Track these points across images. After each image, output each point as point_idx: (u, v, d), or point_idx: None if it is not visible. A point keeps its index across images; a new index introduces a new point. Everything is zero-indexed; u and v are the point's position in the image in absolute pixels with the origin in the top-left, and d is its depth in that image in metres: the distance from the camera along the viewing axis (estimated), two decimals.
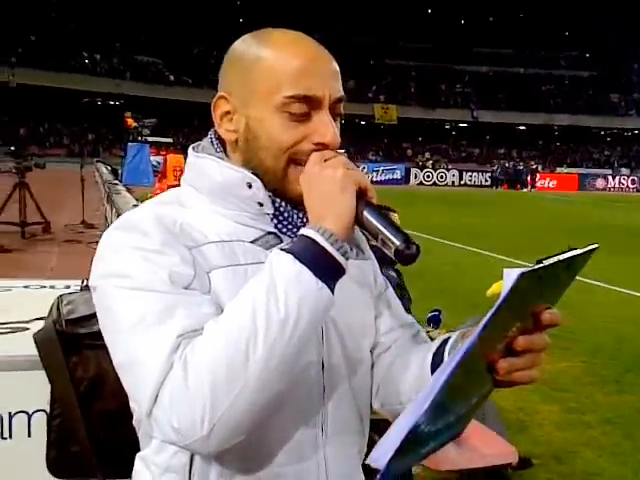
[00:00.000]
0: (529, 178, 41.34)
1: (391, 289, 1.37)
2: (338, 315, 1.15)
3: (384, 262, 3.85)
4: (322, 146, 1.08)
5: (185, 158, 1.21)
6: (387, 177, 40.31)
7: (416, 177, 42.04)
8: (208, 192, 1.13)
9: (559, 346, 6.41)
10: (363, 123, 50.05)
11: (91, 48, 46.98)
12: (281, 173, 1.10)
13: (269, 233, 1.13)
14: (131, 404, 1.17)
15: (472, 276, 9.88)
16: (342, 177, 1.02)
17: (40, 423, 1.73)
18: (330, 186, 1.01)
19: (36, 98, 41.22)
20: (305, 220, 1.13)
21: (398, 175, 41.20)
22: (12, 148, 12.34)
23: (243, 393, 0.92)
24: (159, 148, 28.21)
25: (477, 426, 3.22)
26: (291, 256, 0.96)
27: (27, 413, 1.74)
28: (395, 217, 3.74)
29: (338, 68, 1.12)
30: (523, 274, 0.81)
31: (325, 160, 1.05)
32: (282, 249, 0.98)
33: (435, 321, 3.81)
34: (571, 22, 55.71)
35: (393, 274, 3.63)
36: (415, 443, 0.89)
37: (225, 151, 1.17)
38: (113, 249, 1.05)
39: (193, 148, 1.19)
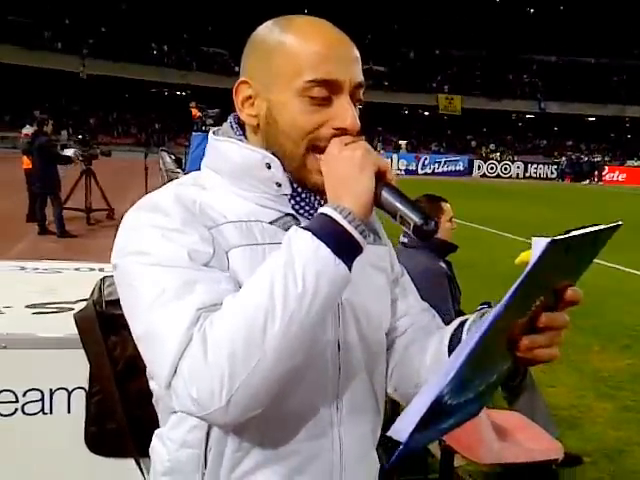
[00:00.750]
0: (596, 171, 40.23)
1: (407, 276, 1.38)
2: (354, 297, 1.16)
3: (434, 253, 3.82)
4: (342, 131, 1.08)
5: None
6: (450, 168, 39.84)
7: (479, 169, 41.38)
8: (228, 174, 1.15)
9: (620, 343, 6.25)
10: (427, 114, 49.55)
11: (159, 40, 47.91)
12: (300, 160, 1.11)
13: (287, 214, 1.14)
14: (150, 384, 1.20)
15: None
16: (361, 157, 1.03)
17: (79, 400, 1.78)
18: (349, 166, 1.03)
19: (105, 88, 42.37)
20: (323, 202, 1.14)
21: (461, 167, 40.65)
22: (80, 137, 12.72)
23: (260, 365, 0.93)
24: None
25: (523, 420, 3.17)
26: (309, 233, 0.97)
27: (67, 390, 1.80)
28: (447, 207, 3.70)
29: (359, 54, 1.12)
30: (553, 242, 0.81)
31: (345, 144, 1.06)
32: (301, 226, 1.00)
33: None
34: None
35: (443, 265, 3.59)
36: (437, 416, 0.90)
37: (245, 135, 1.18)
38: (133, 228, 1.08)
39: (214, 132, 1.21)
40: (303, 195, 1.15)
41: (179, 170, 12.90)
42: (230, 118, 1.21)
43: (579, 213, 19.43)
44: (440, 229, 3.68)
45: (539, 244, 0.82)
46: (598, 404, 4.78)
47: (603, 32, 54.62)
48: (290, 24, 1.11)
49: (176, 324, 0.96)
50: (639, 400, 4.90)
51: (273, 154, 1.12)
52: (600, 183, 38.96)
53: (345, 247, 0.98)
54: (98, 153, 12.55)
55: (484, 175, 40.65)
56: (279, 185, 1.12)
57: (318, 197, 1.16)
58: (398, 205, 1.03)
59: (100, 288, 1.81)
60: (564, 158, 42.19)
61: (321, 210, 1.01)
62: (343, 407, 1.16)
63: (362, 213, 1.01)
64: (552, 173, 41.47)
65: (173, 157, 18.62)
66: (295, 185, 1.14)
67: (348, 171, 1.02)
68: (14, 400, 1.75)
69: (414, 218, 1.02)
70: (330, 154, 1.06)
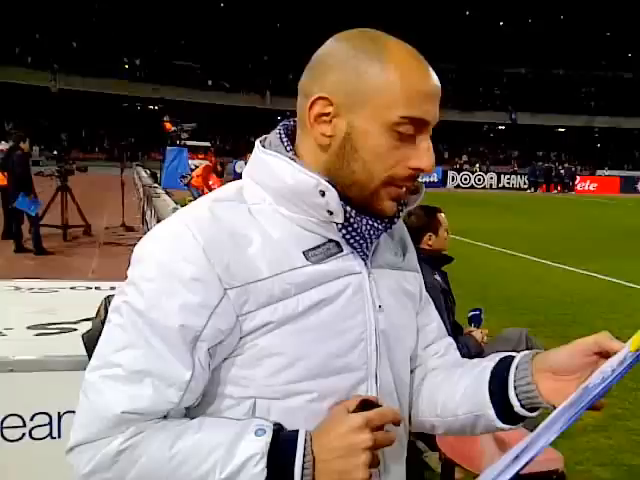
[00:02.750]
0: (570, 182, 40.82)
1: (431, 303, 1.35)
2: (390, 327, 1.14)
3: (429, 266, 3.81)
4: (417, 171, 1.06)
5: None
6: (424, 180, 39.54)
7: (453, 180, 41.69)
8: (275, 192, 1.08)
9: None
10: None
11: (131, 54, 47.76)
12: (372, 190, 1.06)
13: (330, 240, 1.09)
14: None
15: (509, 278, 9.82)
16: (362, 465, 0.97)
17: None
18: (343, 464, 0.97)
19: (77, 103, 42.04)
20: (372, 230, 1.10)
21: (435, 178, 40.92)
22: (55, 152, 12.59)
23: None
24: (197, 152, 28.50)
25: (523, 432, 3.17)
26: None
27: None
28: (443, 217, 3.71)
29: None
30: None
31: (349, 411, 1.01)
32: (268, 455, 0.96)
33: (476, 320, 3.79)
34: (612, 22, 54.81)
35: (438, 279, 3.57)
36: None
37: (293, 147, 1.11)
38: (139, 261, 1.05)
39: (261, 142, 1.13)
40: (355, 225, 1.08)
41: (156, 185, 12.86)
42: (280, 129, 1.14)
43: (554, 222, 19.69)
44: (438, 240, 3.69)
45: None
46: (587, 412, 4.78)
47: (571, 44, 55.61)
48: (385, 47, 1.04)
49: (106, 412, 0.98)
50: (628, 407, 4.94)
51: (328, 181, 1.05)
52: (572, 193, 39.48)
53: None
54: (74, 169, 12.43)
55: (458, 186, 40.94)
56: (330, 213, 1.05)
57: (369, 225, 1.10)
58: None
59: (105, 307, 1.77)
60: (535, 168, 42.55)
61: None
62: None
63: None
64: (525, 183, 41.92)
65: (149, 172, 18.59)
66: (347, 214, 1.07)
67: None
68: (21, 425, 1.71)
69: None
70: (331, 440, 0.98)
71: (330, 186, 1.04)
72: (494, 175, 42.62)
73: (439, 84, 1.07)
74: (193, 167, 19.48)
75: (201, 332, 0.99)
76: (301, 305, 1.03)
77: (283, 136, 1.12)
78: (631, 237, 15.48)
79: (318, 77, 1.06)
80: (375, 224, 1.10)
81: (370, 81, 1.02)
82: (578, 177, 42.22)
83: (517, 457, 0.99)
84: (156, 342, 0.99)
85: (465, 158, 47.67)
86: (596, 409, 1.02)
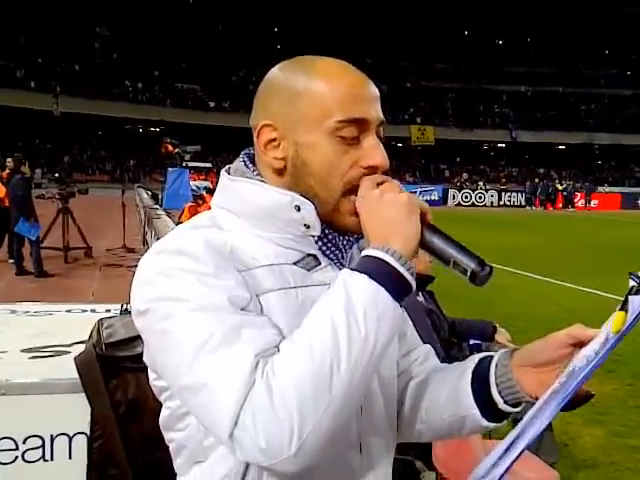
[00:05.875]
0: (569, 198, 40.84)
1: (405, 313, 1.38)
2: None
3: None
4: (372, 169, 1.09)
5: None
6: (425, 198, 39.81)
7: (454, 198, 41.78)
8: (248, 216, 1.12)
9: (604, 368, 6.28)
10: (400, 145, 50.06)
11: (132, 77, 48.06)
12: (333, 203, 1.10)
13: (309, 255, 1.13)
14: (169, 435, 1.17)
15: (508, 295, 9.81)
16: (407, 201, 1.04)
17: (81, 446, 1.75)
18: (396, 210, 1.03)
19: (79, 126, 42.25)
20: (345, 241, 1.15)
21: (436, 196, 41.00)
22: (56, 175, 12.67)
23: (328, 411, 0.92)
24: (199, 173, 28.60)
25: None
26: (366, 276, 0.97)
27: (68, 435, 1.77)
28: None
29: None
30: None
31: (378, 184, 1.07)
32: (353, 269, 0.99)
33: (477, 349, 3.74)
34: (611, 40, 55.13)
35: (421, 300, 3.55)
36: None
37: (259, 174, 1.16)
38: (164, 273, 1.03)
39: (226, 171, 1.19)
40: (330, 237, 1.14)
41: (157, 206, 12.91)
42: (243, 157, 1.20)
43: (553, 239, 19.67)
44: (418, 262, 3.67)
45: (636, 302, 0.92)
46: (587, 430, 4.80)
47: (571, 62, 55.91)
48: (313, 66, 1.12)
49: (233, 372, 0.94)
50: (627, 425, 4.93)
51: (302, 196, 1.10)
52: (572, 209, 39.51)
53: (400, 290, 0.98)
54: (75, 191, 12.49)
55: (459, 204, 41.01)
56: (307, 227, 1.11)
57: (343, 238, 1.16)
58: (452, 251, 1.03)
59: (99, 330, 1.78)
60: (533, 185, 42.42)
61: (370, 253, 1.00)
62: (364, 453, 1.16)
63: (409, 256, 1.01)
64: (526, 201, 41.97)
65: (150, 193, 18.63)
66: (322, 226, 1.12)
67: (395, 215, 1.02)
68: (14, 448, 1.72)
69: (470, 264, 1.02)
70: (371, 197, 1.05)
71: (305, 200, 1.09)
72: (494, 193, 42.70)
73: (372, 88, 1.13)
74: (195, 188, 19.55)
75: (248, 303, 1.02)
76: (301, 295, 1.08)
77: (248, 162, 1.18)
78: (632, 253, 15.47)
79: (260, 106, 1.15)
80: (347, 235, 1.16)
81: (302, 97, 1.09)
82: (578, 194, 42.24)
83: (508, 448, 1.01)
84: (221, 313, 0.98)
85: (465, 176, 47.74)
86: (587, 399, 1.06)
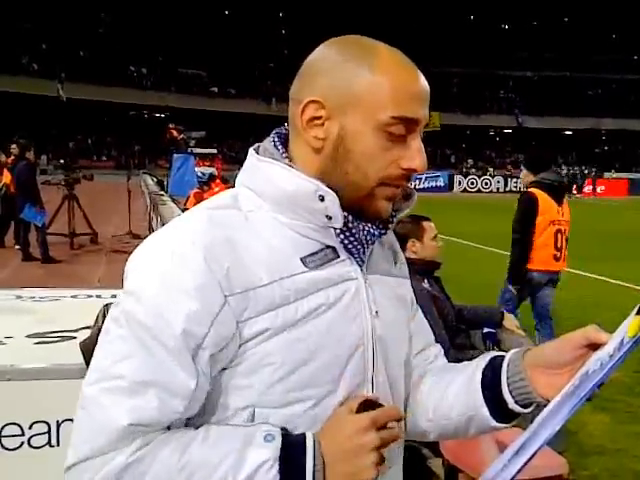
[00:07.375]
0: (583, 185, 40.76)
1: (420, 311, 1.37)
2: (385, 333, 1.14)
3: (417, 274, 3.76)
4: (411, 171, 1.07)
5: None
6: (430, 184, 40.00)
7: (460, 184, 41.69)
8: (272, 199, 1.08)
9: None
10: None
11: (137, 62, 47.96)
12: (366, 190, 1.07)
13: (327, 247, 1.09)
14: None
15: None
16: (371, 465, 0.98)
17: None
18: (351, 457, 0.98)
19: (84, 112, 42.21)
20: (369, 236, 1.11)
21: (441, 182, 40.90)
22: (62, 161, 12.66)
23: None
24: (204, 159, 28.54)
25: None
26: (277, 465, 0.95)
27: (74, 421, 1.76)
28: (429, 225, 3.67)
29: None
30: None
31: (352, 410, 1.02)
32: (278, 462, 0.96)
33: (491, 338, 3.71)
34: (618, 25, 54.71)
35: (427, 286, 3.52)
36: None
37: (287, 153, 1.12)
38: (145, 269, 1.02)
39: (255, 150, 1.14)
40: (353, 230, 1.09)
41: (162, 192, 12.90)
42: (274, 136, 1.15)
43: None
44: (423, 248, 3.66)
45: None
46: (594, 417, 4.78)
47: (577, 47, 55.53)
48: (376, 53, 1.07)
49: (110, 426, 0.95)
50: (634, 412, 4.91)
51: (328, 186, 1.05)
52: (579, 196, 39.36)
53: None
54: (80, 177, 12.48)
55: (465, 190, 40.94)
56: (329, 218, 1.06)
57: (366, 230, 1.11)
58: None
59: (104, 315, 1.78)
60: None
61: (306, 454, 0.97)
62: None
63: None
64: None
65: (155, 179, 18.62)
66: (345, 219, 1.07)
67: (349, 462, 0.98)
68: (20, 433, 1.71)
69: None
70: (339, 427, 1.00)
71: (330, 190, 1.05)
72: (501, 179, 42.57)
73: (428, 87, 1.09)
74: (200, 174, 19.51)
75: (203, 340, 0.98)
76: (300, 312, 1.02)
77: (277, 143, 1.13)
78: (638, 240, 15.41)
79: (309, 82, 1.08)
80: (371, 230, 1.11)
81: (360, 83, 1.04)
82: (586, 180, 42.09)
83: (517, 452, 1.00)
84: (159, 351, 0.97)
85: (471, 162, 47.61)
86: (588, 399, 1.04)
